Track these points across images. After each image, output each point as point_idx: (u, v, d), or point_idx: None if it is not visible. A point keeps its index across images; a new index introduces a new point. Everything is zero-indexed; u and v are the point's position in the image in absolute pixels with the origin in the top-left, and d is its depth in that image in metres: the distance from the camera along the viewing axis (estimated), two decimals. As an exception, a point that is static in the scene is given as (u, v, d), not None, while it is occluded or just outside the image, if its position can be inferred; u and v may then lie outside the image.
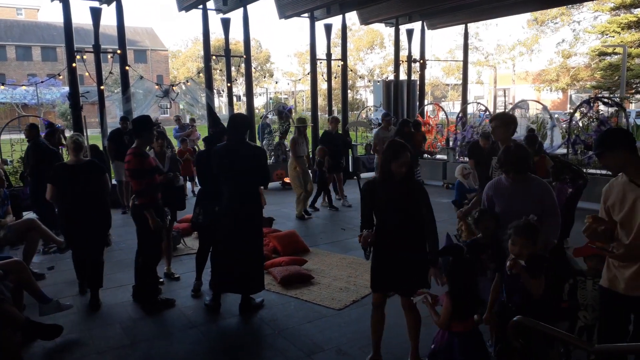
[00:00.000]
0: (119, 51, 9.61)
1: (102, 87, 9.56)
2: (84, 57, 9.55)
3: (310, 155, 10.01)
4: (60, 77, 10.68)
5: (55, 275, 5.73)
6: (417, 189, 3.42)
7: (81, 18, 15.11)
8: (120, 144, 8.25)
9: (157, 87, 10.68)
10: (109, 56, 9.94)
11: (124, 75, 9.69)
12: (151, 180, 4.61)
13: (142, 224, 4.60)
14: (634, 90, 22.36)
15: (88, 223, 4.77)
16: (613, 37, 23.23)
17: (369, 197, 3.46)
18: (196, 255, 5.19)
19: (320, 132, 13.82)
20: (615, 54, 22.48)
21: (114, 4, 9.46)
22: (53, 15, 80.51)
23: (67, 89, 10.05)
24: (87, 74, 9.65)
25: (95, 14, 9.36)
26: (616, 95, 19.10)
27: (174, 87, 10.74)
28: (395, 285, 3.50)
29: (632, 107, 25.92)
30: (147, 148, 4.98)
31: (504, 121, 4.23)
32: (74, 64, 9.10)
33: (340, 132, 10.17)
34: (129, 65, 9.80)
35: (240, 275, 4.51)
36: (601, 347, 2.34)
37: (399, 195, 3.35)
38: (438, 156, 12.11)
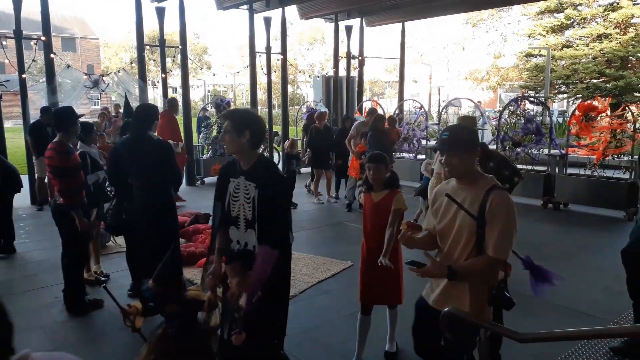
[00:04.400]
0: (43, 38, 9.01)
1: (24, 76, 8.93)
2: (5, 42, 8.90)
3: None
4: (-23, 63, 9.89)
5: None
6: None
7: (2, 2, 14.06)
8: (42, 137, 7.77)
9: (85, 77, 10.11)
10: (33, 43, 9.29)
11: (49, 63, 9.11)
12: (76, 178, 4.33)
13: (66, 224, 4.32)
14: (556, 91, 23.75)
15: None
16: (539, 39, 24.55)
17: None
18: (126, 256, 4.94)
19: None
20: (541, 55, 23.76)
21: (37, -13, 8.85)
22: (-30, -4, 74.49)
23: (-16, 76, 9.34)
24: (7, 61, 8.97)
25: (16, -3, 8.72)
26: (541, 94, 20.24)
27: (104, 78, 10.22)
28: None
29: (555, 106, 27.60)
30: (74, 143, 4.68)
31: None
32: (-8, 50, 8.45)
33: (339, 126, 9.66)
34: (54, 53, 9.22)
35: None
36: (528, 334, 2.45)
37: None
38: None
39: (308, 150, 9.15)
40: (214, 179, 11.16)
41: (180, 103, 10.22)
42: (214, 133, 11.45)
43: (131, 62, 12.34)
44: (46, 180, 8.27)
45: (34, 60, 9.26)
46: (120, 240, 6.46)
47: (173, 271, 2.73)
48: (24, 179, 9.35)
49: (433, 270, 2.40)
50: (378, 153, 3.56)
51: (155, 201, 4.19)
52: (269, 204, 2.66)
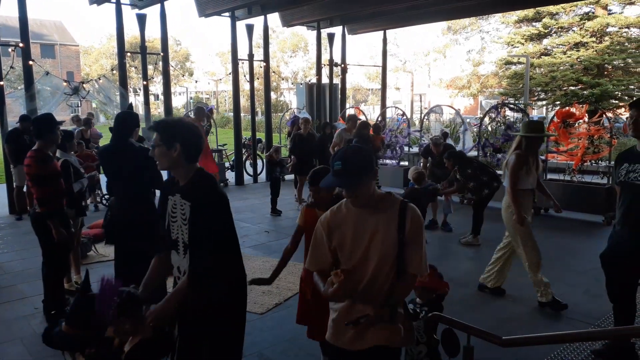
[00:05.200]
0: (21, 44, 8.88)
1: (1, 83, 8.78)
2: (-19, 49, 8.76)
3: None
4: (-48, 70, 9.67)
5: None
6: None
7: (-22, 7, 13.84)
8: (20, 145, 7.64)
9: (65, 84, 9.97)
10: (10, 49, 9.14)
11: (27, 70, 8.96)
12: (55, 187, 4.26)
13: (45, 233, 4.25)
14: (536, 98, 24.19)
15: None
16: (517, 47, 25.01)
17: None
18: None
19: (246, 134, 13.67)
20: (520, 63, 24.20)
21: (15, -7, 8.73)
22: (-55, 2, 72.96)
23: (-40, 83, 9.11)
24: (-16, 68, 8.81)
25: (-6, 3, 8.59)
26: (520, 101, 20.59)
27: (84, 85, 10.09)
28: None
29: (534, 113, 28.08)
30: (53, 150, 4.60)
31: None
32: (-32, 57, 8.29)
33: (326, 132, 9.58)
34: (33, 60, 9.08)
35: None
36: (510, 338, 2.48)
37: None
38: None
39: (292, 157, 9.13)
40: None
41: (161, 110, 10.14)
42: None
43: (112, 69, 12.24)
44: (25, 189, 8.14)
45: (12, 67, 9.11)
46: (102, 249, 6.37)
47: (86, 310, 2.42)
48: (2, 188, 9.18)
49: (377, 317, 2.08)
50: (321, 170, 3.07)
51: (135, 208, 4.14)
52: (201, 226, 2.33)
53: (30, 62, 8.99)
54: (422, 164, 8.59)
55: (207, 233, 2.32)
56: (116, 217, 4.13)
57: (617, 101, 21.36)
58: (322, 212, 2.92)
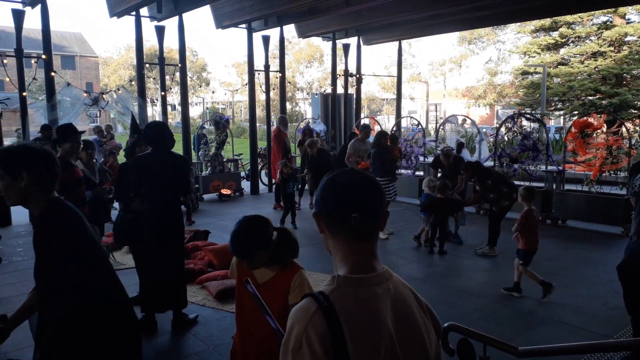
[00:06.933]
0: (43, 56, 9.10)
1: (24, 94, 9.00)
2: (5, 61, 8.99)
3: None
4: (-23, 81, 9.97)
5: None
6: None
7: (3, 20, 14.22)
8: None
9: (85, 94, 10.19)
10: (33, 61, 9.39)
11: (49, 81, 9.19)
12: (77, 193, 4.37)
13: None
14: (553, 108, 23.96)
15: None
16: (534, 57, 24.85)
17: None
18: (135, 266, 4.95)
19: (261, 143, 13.78)
20: (537, 73, 24.02)
21: (38, 7, 8.97)
22: (-30, 16, 75.14)
23: (-16, 94, 9.39)
24: (7, 79, 9.06)
25: (18, 16, 8.83)
26: (537, 111, 20.42)
27: (103, 95, 10.29)
28: None
29: (551, 123, 27.80)
30: (74, 158, 4.72)
31: None
32: (-7, 68, 8.53)
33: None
34: (54, 71, 9.30)
35: (170, 290, 4.36)
36: (527, 349, 2.46)
37: None
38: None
39: (307, 174, 9.34)
40: (212, 196, 11.23)
41: (179, 120, 10.31)
42: (212, 150, 11.53)
43: (130, 80, 12.47)
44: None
45: (34, 79, 9.34)
46: (119, 257, 6.46)
47: None
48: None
49: None
50: (249, 228, 2.39)
51: (174, 210, 4.38)
52: (38, 258, 1.99)
53: (52, 74, 9.20)
54: (432, 175, 8.53)
55: (44, 267, 1.97)
56: (148, 220, 4.27)
57: (636, 111, 21.06)
58: (260, 273, 2.50)
